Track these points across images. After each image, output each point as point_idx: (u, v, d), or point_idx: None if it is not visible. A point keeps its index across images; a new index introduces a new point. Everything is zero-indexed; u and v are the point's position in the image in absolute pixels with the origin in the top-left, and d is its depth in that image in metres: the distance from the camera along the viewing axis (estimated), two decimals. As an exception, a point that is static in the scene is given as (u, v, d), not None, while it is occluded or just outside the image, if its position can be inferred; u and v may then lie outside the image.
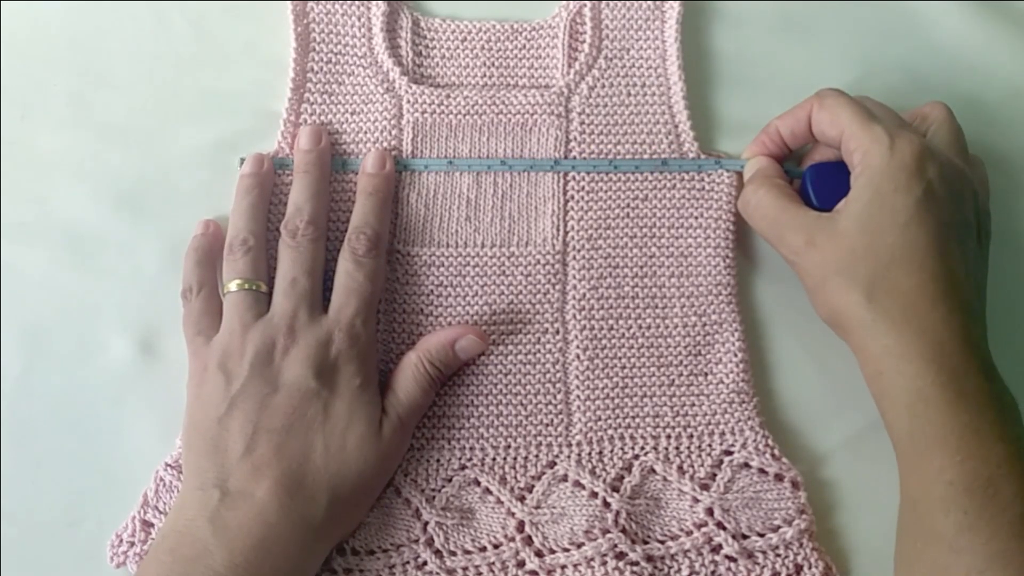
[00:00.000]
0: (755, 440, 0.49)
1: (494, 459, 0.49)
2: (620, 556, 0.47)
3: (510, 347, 0.51)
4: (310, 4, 0.55)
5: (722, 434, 0.50)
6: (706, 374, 0.50)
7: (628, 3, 0.55)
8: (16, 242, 0.52)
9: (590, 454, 0.49)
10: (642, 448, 0.49)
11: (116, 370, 0.51)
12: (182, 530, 0.43)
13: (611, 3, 0.55)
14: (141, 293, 0.51)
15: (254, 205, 0.50)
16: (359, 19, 0.55)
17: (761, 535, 0.47)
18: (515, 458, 0.49)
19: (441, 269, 0.51)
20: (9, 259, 0.52)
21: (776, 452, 0.49)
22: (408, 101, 0.53)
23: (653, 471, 0.49)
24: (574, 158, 0.53)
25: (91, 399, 0.50)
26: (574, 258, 0.52)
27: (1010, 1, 0.59)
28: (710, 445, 0.49)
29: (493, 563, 0.47)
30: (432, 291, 0.51)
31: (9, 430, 0.50)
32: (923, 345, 0.43)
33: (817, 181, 0.49)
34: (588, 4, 0.55)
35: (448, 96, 0.53)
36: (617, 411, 0.50)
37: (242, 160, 0.52)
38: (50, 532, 0.49)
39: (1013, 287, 0.54)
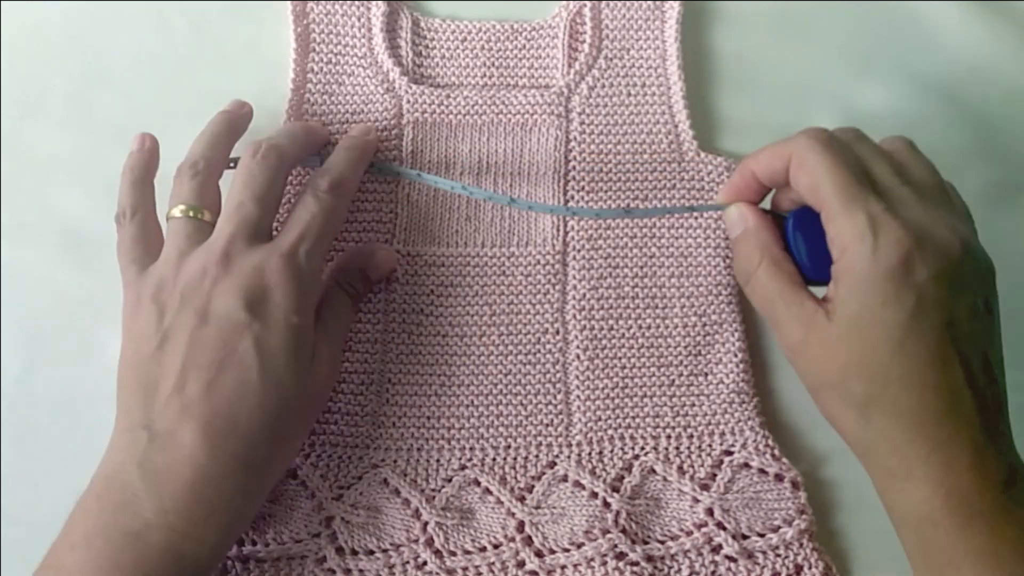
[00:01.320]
0: (755, 440, 0.49)
1: (494, 459, 0.49)
2: (620, 556, 0.47)
3: (510, 347, 0.51)
4: (310, 4, 0.55)
5: (722, 434, 0.49)
6: (706, 374, 0.50)
7: (628, 3, 0.55)
8: (16, 242, 0.52)
9: (590, 454, 0.49)
10: (642, 448, 0.49)
11: (115, 369, 0.49)
12: (110, 475, 0.41)
13: (611, 3, 0.56)
14: None
15: (216, 134, 0.47)
16: (359, 19, 0.55)
17: (761, 535, 0.47)
18: (515, 458, 0.49)
19: (442, 269, 0.51)
20: (9, 259, 0.52)
21: (776, 452, 0.49)
22: (408, 101, 0.53)
23: (653, 471, 0.49)
24: (573, 158, 0.53)
25: (91, 399, 0.49)
26: (574, 258, 0.52)
27: (1010, 1, 0.59)
28: (710, 445, 0.49)
29: (493, 563, 0.47)
30: (432, 291, 0.51)
31: (9, 430, 0.50)
32: (929, 467, 0.39)
33: (803, 231, 0.44)
34: (588, 4, 0.55)
35: (448, 96, 0.53)
36: (617, 411, 0.50)
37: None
38: (50, 532, 0.47)
39: (1013, 289, 0.54)
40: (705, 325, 0.51)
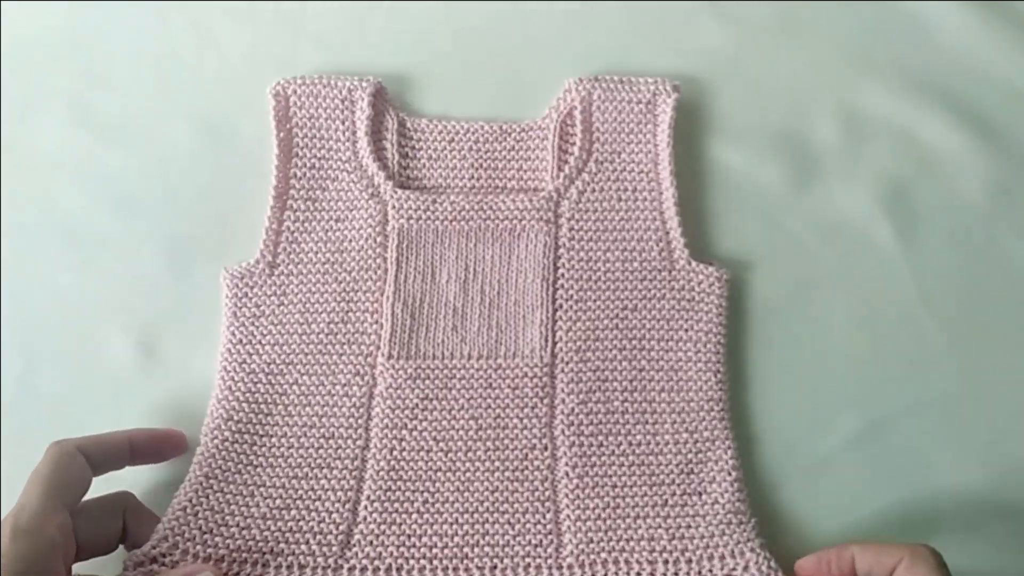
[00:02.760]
0: (757, 563, 0.47)
1: (479, 583, 0.47)
2: None
3: (496, 463, 0.49)
4: (293, 109, 0.54)
5: (722, 557, 0.47)
6: (700, 493, 0.49)
7: (620, 105, 0.55)
8: (16, 242, 0.53)
9: (581, 578, 0.47)
10: (638, 574, 0.47)
11: (116, 370, 0.51)
12: None
13: (602, 105, 0.55)
14: (141, 293, 0.52)
15: None
16: (343, 123, 0.54)
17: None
18: (501, 582, 0.47)
19: (427, 382, 0.50)
20: (9, 259, 0.52)
21: (780, 575, 0.47)
22: (393, 207, 0.52)
23: (650, 598, 0.47)
24: (562, 265, 0.52)
25: (90, 399, 0.50)
26: (562, 370, 0.50)
27: (1010, 1, 0.60)
28: (710, 571, 0.47)
29: None
30: (417, 404, 0.50)
31: (9, 430, 0.49)
32: None
33: None
34: (579, 106, 0.55)
35: (434, 202, 0.52)
36: (610, 532, 0.48)
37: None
38: None
39: (1013, 289, 0.54)
40: (697, 442, 0.49)
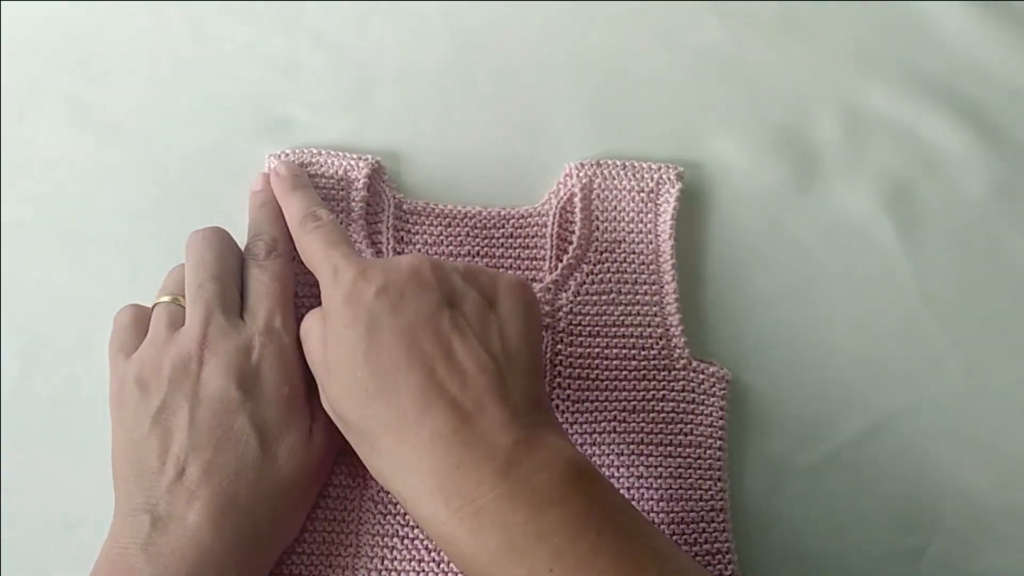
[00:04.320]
0: None
1: None
2: None
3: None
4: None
5: None
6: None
7: (622, 193, 0.53)
8: (16, 242, 0.52)
9: None
10: None
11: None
12: (115, 559, 0.41)
13: (603, 193, 0.53)
14: (140, 293, 0.50)
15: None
16: (338, 204, 0.52)
17: None
18: None
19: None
20: (9, 259, 0.52)
21: None
22: (388, 299, 0.51)
23: None
24: (560, 363, 0.51)
25: (91, 399, 0.49)
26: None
27: (1011, 1, 0.60)
28: None
29: None
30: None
31: (9, 430, 0.50)
32: (422, 478, 0.38)
33: None
34: (579, 192, 0.53)
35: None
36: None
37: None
38: (49, 533, 0.48)
39: (1013, 289, 0.55)
40: (697, 555, 0.48)
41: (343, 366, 0.41)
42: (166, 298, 0.46)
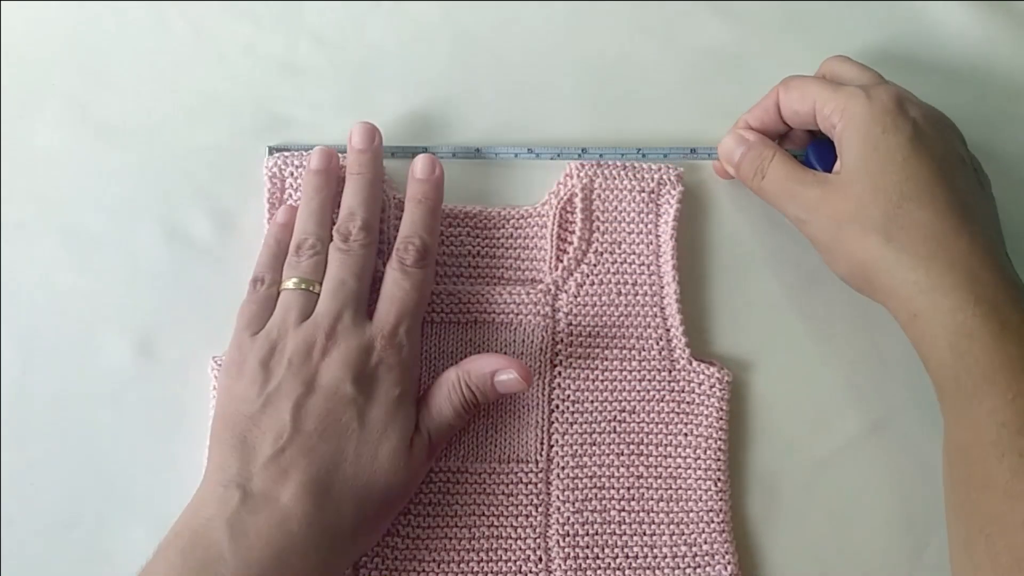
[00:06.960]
0: None
1: None
2: None
3: (489, 575, 0.48)
4: (288, 191, 0.52)
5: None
6: (697, 610, 0.48)
7: (622, 194, 0.53)
8: (16, 242, 0.52)
9: None
10: None
11: (115, 370, 0.51)
12: (198, 530, 0.41)
13: (604, 193, 0.53)
14: (140, 293, 0.52)
15: (323, 205, 0.50)
16: (338, 203, 0.52)
17: None
18: None
19: (419, 488, 0.48)
20: (9, 259, 0.52)
21: None
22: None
23: None
24: (560, 363, 0.51)
25: (90, 399, 0.50)
26: (558, 476, 0.49)
27: (1011, 1, 0.60)
28: None
29: None
30: (408, 510, 0.48)
31: (9, 430, 0.49)
32: (956, 276, 0.42)
33: (819, 156, 0.51)
34: (580, 193, 0.53)
35: (431, 295, 0.51)
36: (604, 650, 0.47)
37: (269, 149, 0.53)
38: (49, 533, 0.48)
39: None
40: (696, 556, 0.48)
41: (871, 167, 0.45)
42: (293, 283, 0.47)
